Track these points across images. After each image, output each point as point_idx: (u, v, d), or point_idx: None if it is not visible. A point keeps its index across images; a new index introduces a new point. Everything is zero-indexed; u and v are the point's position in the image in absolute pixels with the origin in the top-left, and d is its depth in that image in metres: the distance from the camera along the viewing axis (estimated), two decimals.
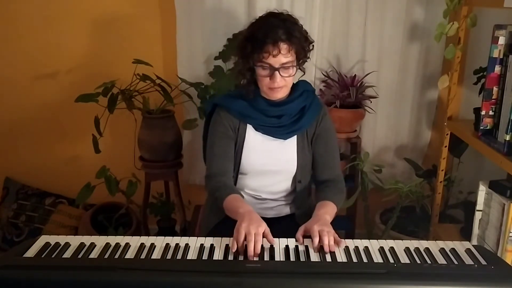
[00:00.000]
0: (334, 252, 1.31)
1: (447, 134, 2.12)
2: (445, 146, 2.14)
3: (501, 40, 1.70)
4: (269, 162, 1.66)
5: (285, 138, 1.65)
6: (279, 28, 1.48)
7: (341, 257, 1.29)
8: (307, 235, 1.38)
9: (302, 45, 1.55)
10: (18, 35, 2.41)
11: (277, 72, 1.51)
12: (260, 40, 1.48)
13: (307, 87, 1.68)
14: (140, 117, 2.25)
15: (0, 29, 2.40)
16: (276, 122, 1.63)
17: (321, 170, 1.70)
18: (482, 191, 1.77)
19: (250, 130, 1.66)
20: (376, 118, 2.44)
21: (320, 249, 1.32)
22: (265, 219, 1.70)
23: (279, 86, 1.54)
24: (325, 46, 2.36)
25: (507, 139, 1.65)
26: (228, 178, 1.64)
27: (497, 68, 1.73)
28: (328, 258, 1.29)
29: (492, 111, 1.77)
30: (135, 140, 2.27)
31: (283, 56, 1.49)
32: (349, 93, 2.25)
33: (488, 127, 1.79)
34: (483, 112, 1.78)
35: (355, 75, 2.34)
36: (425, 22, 2.31)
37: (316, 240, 1.32)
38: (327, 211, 1.52)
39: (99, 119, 2.15)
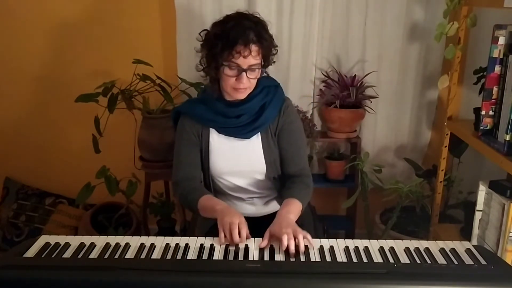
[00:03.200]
0: (306, 251, 1.30)
1: (447, 134, 2.12)
2: (445, 146, 2.14)
3: (501, 40, 1.70)
4: (237, 163, 1.67)
5: (248, 137, 1.65)
6: (251, 30, 1.49)
7: (341, 257, 1.29)
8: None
9: (270, 49, 1.57)
10: (18, 36, 2.41)
11: (244, 73, 1.51)
12: (232, 40, 1.48)
13: (268, 82, 1.68)
14: (140, 117, 2.25)
15: (2, 28, 2.40)
16: (236, 122, 1.63)
17: (286, 165, 1.69)
18: (482, 191, 1.77)
19: (213, 134, 1.67)
20: (376, 118, 2.44)
21: (287, 252, 1.30)
22: (257, 218, 1.72)
23: (244, 87, 1.55)
24: (325, 46, 2.36)
25: (507, 139, 1.65)
26: (196, 183, 1.66)
27: (497, 68, 1.73)
28: (328, 258, 1.29)
29: (492, 111, 1.77)
30: (135, 140, 2.27)
31: (252, 58, 1.50)
32: (349, 93, 2.25)
33: (488, 127, 1.79)
34: (483, 112, 1.78)
35: (355, 75, 2.34)
36: (425, 22, 2.31)
37: (284, 245, 1.30)
38: (290, 209, 1.50)
39: (99, 119, 2.15)
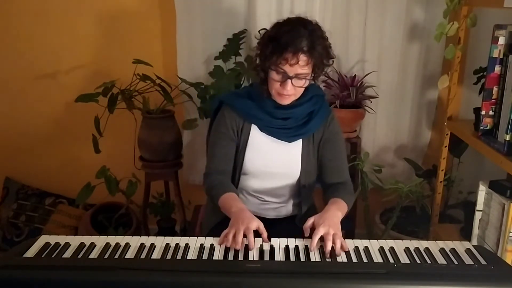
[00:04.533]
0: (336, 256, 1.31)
1: (447, 134, 2.12)
2: (445, 146, 2.14)
3: (501, 40, 1.70)
4: (272, 164, 1.66)
5: (289, 141, 1.64)
6: (304, 39, 1.45)
7: (341, 257, 1.29)
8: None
9: (321, 60, 1.52)
10: (17, 36, 2.41)
11: (289, 80, 1.49)
12: (282, 46, 1.45)
13: (317, 91, 1.67)
14: (140, 117, 2.25)
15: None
16: (281, 124, 1.62)
17: (330, 175, 1.68)
18: (482, 191, 1.77)
19: (254, 131, 1.65)
20: (376, 118, 2.44)
21: (324, 252, 1.31)
22: (265, 220, 1.71)
23: (288, 94, 1.53)
24: None
25: (507, 139, 1.65)
26: (226, 177, 1.64)
27: (497, 68, 1.73)
28: (328, 258, 1.29)
29: (492, 111, 1.77)
30: (135, 140, 2.27)
31: (300, 67, 1.47)
32: (349, 93, 2.25)
33: (488, 127, 1.79)
34: (483, 112, 1.78)
35: (355, 75, 2.34)
36: (425, 22, 2.31)
37: (318, 241, 1.32)
38: (340, 207, 1.51)
39: (99, 119, 2.15)
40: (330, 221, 1.39)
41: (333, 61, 1.59)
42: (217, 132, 1.66)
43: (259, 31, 1.59)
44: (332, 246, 1.31)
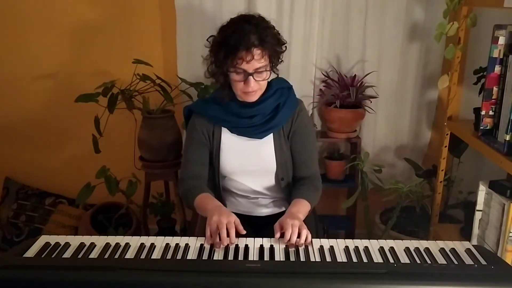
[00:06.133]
0: (306, 247, 1.33)
1: (447, 134, 2.12)
2: (445, 146, 2.14)
3: (501, 40, 1.70)
4: (248, 163, 1.67)
5: (260, 138, 1.66)
6: (252, 34, 1.48)
7: (341, 257, 1.29)
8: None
9: (275, 49, 1.56)
10: (17, 36, 2.41)
11: (251, 77, 1.51)
12: (233, 46, 1.47)
13: (281, 84, 1.68)
14: (140, 117, 2.25)
15: (2, 29, 2.40)
16: (249, 122, 1.63)
17: (298, 168, 1.70)
18: (482, 191, 1.77)
19: (225, 133, 1.68)
20: (376, 118, 2.44)
21: (290, 245, 1.35)
22: (260, 218, 1.71)
23: (253, 90, 1.55)
24: (325, 46, 2.36)
25: (507, 139, 1.65)
26: (201, 181, 1.66)
27: (497, 68, 1.73)
28: (328, 258, 1.29)
29: (492, 111, 1.77)
30: (135, 140, 2.27)
31: (256, 61, 1.50)
32: (349, 93, 2.25)
33: (488, 127, 1.79)
34: (483, 112, 1.78)
35: (355, 75, 2.34)
36: (425, 22, 2.31)
37: (287, 237, 1.35)
38: (300, 209, 1.52)
39: (99, 119, 2.15)
40: (292, 219, 1.41)
41: (285, 46, 1.61)
42: (189, 139, 1.70)
43: (207, 39, 1.60)
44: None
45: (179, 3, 2.27)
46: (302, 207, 1.54)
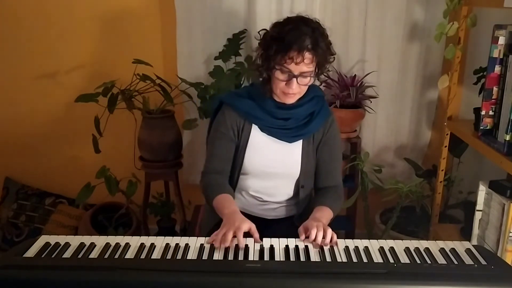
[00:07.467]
0: (332, 247, 1.33)
1: (447, 134, 2.12)
2: (445, 146, 2.14)
3: (501, 40, 1.70)
4: (272, 164, 1.66)
5: (290, 141, 1.64)
6: (308, 37, 1.46)
7: (341, 257, 1.29)
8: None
9: (325, 57, 1.53)
10: (17, 36, 2.41)
11: (294, 79, 1.49)
12: (286, 45, 1.45)
13: (317, 92, 1.68)
14: (140, 117, 2.25)
15: (1, 26, 2.40)
16: (282, 124, 1.62)
17: (323, 177, 1.70)
18: (482, 191, 1.77)
19: (255, 130, 1.65)
20: (376, 118, 2.44)
21: (316, 245, 1.34)
22: (265, 220, 1.70)
23: (294, 93, 1.53)
24: None
25: (507, 139, 1.65)
26: (223, 177, 1.65)
27: (497, 68, 1.73)
28: (328, 258, 1.29)
29: (492, 111, 1.77)
30: (135, 140, 2.27)
31: (305, 65, 1.48)
32: (349, 93, 2.25)
33: (488, 127, 1.79)
34: (483, 112, 1.78)
35: (355, 75, 2.34)
36: (425, 22, 2.31)
37: (312, 235, 1.35)
38: (324, 215, 1.52)
39: (99, 119, 2.15)
40: (317, 221, 1.42)
41: (334, 58, 1.59)
42: (217, 132, 1.66)
43: (258, 32, 1.59)
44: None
45: (179, 3, 2.27)
46: (325, 214, 1.54)
